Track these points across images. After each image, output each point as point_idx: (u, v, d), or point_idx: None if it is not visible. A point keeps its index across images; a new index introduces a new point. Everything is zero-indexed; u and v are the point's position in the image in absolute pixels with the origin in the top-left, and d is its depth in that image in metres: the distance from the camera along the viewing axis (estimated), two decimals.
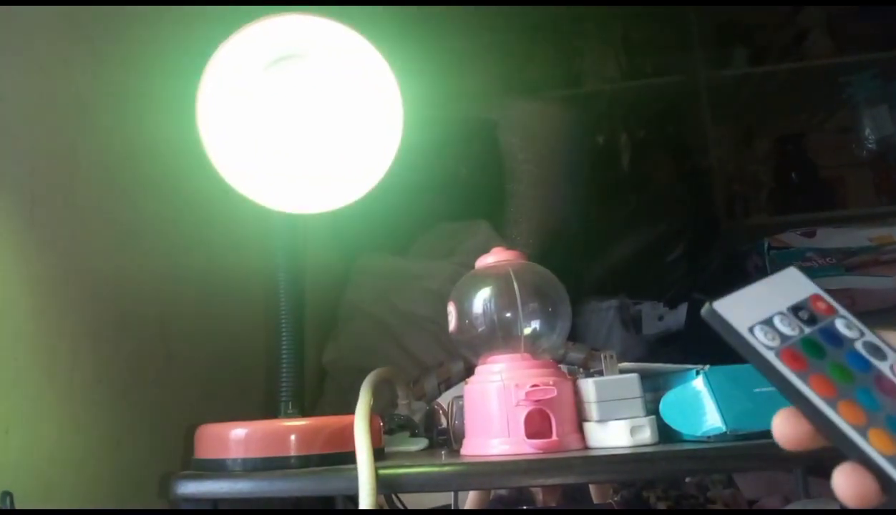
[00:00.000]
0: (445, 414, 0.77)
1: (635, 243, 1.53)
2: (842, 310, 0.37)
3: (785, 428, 0.33)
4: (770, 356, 0.33)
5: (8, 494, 0.57)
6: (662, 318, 1.34)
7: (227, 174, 0.64)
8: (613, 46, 2.07)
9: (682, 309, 1.32)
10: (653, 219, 1.58)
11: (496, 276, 0.68)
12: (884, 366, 0.34)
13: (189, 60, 0.66)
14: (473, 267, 0.72)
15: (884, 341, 0.35)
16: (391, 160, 0.66)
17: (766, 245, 1.39)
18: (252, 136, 0.65)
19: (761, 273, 1.42)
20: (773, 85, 2.02)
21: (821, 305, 0.37)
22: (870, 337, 0.35)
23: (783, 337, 0.34)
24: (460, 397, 0.68)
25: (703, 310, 0.35)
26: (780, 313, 0.35)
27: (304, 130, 0.65)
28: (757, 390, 0.56)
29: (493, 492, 0.87)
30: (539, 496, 0.91)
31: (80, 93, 0.70)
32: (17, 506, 0.57)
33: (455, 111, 1.61)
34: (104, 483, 0.68)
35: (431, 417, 0.80)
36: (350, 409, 0.62)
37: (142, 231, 0.78)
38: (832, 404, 0.32)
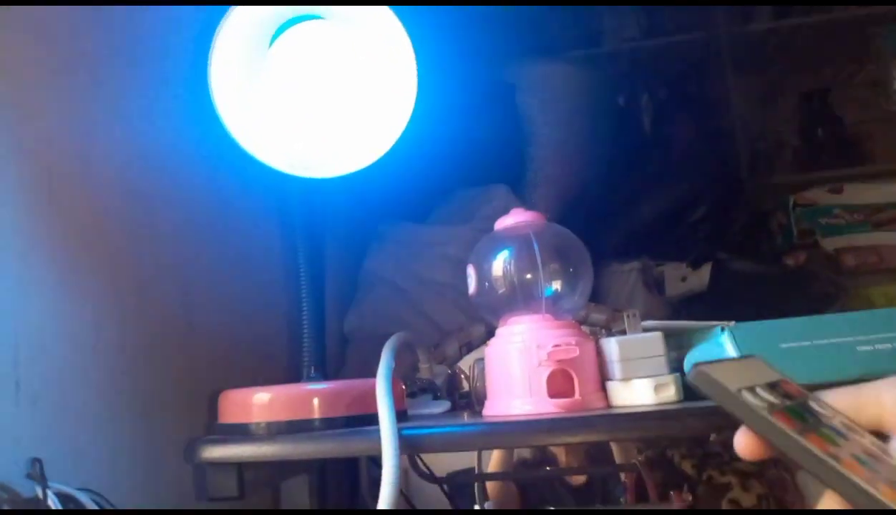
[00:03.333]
0: (467, 378, 0.77)
1: (657, 204, 1.51)
2: (810, 394, 0.38)
3: (745, 446, 0.35)
4: (765, 413, 0.34)
5: (38, 461, 0.58)
6: (685, 279, 1.33)
7: (243, 139, 0.63)
8: (633, 4, 2.02)
9: (706, 270, 1.30)
10: (675, 179, 1.56)
11: (515, 237, 0.67)
12: (864, 441, 0.35)
13: (202, 16, 0.65)
14: (491, 231, 0.71)
15: (853, 424, 0.36)
16: (405, 122, 0.65)
17: (791, 202, 1.36)
18: (266, 100, 0.64)
19: (786, 232, 1.39)
20: (798, 39, 1.96)
21: (791, 388, 0.38)
22: (842, 418, 0.36)
23: (770, 403, 0.35)
24: (482, 359, 0.68)
25: (691, 374, 0.36)
26: (760, 386, 0.37)
27: (319, 93, 0.64)
28: (783, 346, 0.55)
29: (515, 454, 0.87)
30: (562, 457, 0.91)
31: (96, 69, 0.70)
32: (47, 473, 0.58)
33: (473, 74, 1.59)
34: (130, 448, 0.69)
35: (453, 380, 0.80)
36: (372, 375, 0.62)
37: (160, 201, 0.78)
38: (836, 459, 0.32)
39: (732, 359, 0.41)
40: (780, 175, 2.01)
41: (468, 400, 0.75)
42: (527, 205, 1.44)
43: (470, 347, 0.90)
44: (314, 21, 0.64)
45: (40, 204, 0.63)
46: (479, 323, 0.92)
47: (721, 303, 1.22)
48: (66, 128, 0.66)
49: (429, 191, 1.45)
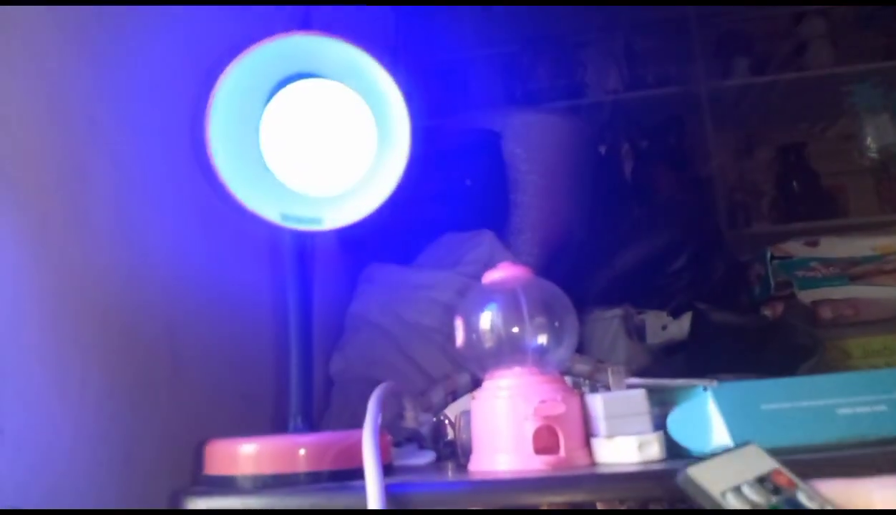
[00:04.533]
0: (452, 426, 0.78)
1: (639, 253, 1.54)
2: (802, 484, 0.40)
3: None
4: None
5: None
6: (666, 328, 1.35)
7: (237, 190, 0.64)
8: (615, 57, 2.08)
9: (686, 319, 1.32)
10: (656, 228, 1.59)
11: (503, 292, 0.68)
12: None
13: (199, 71, 0.66)
14: (478, 276, 0.73)
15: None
16: (399, 175, 0.67)
17: (768, 254, 1.39)
18: (262, 152, 0.65)
19: (764, 283, 1.43)
20: (775, 94, 2.03)
21: (782, 479, 0.40)
22: (830, 508, 0.38)
23: (752, 504, 0.37)
24: (468, 411, 0.69)
25: (679, 477, 0.38)
26: (747, 482, 0.38)
27: (314, 146, 0.66)
28: (764, 407, 0.57)
29: None
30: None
31: (90, 109, 0.71)
32: None
33: (459, 122, 1.62)
34: (116, 497, 0.69)
35: (439, 429, 0.81)
36: (357, 419, 0.63)
37: (151, 246, 0.79)
38: None
39: (727, 451, 0.42)
40: (758, 225, 2.07)
41: (452, 449, 0.75)
42: (512, 250, 1.47)
43: (456, 395, 0.91)
44: (311, 80, 0.66)
45: (34, 250, 0.63)
46: (466, 371, 0.93)
47: (701, 352, 1.24)
48: (61, 176, 0.67)
49: (416, 234, 1.46)
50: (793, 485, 0.39)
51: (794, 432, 0.55)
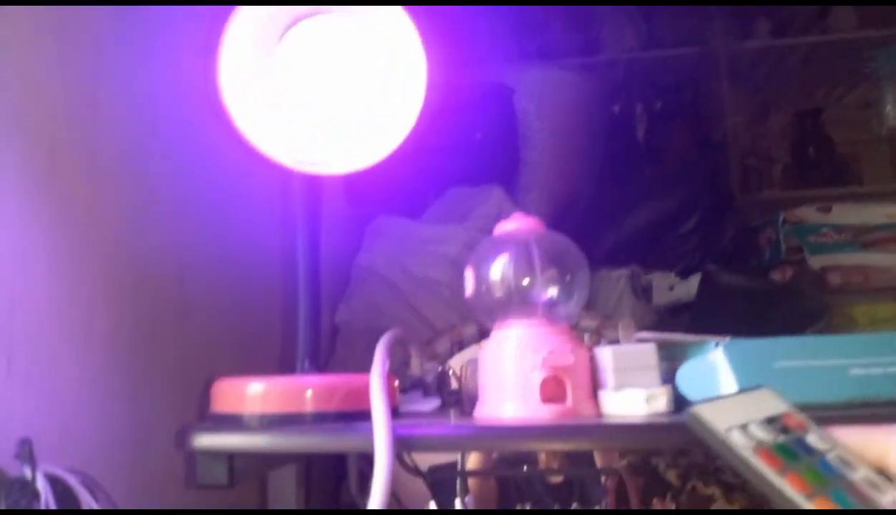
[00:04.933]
0: (456, 376, 0.78)
1: (648, 214, 1.52)
2: (814, 427, 0.39)
3: None
4: (746, 454, 0.35)
5: (27, 441, 0.58)
6: (673, 288, 1.35)
7: (248, 131, 0.63)
8: (632, 15, 2.03)
9: (694, 280, 1.32)
10: (667, 190, 1.57)
11: (515, 243, 0.67)
12: (854, 476, 0.35)
13: (211, 13, 0.65)
14: (486, 231, 0.72)
15: (852, 456, 0.37)
16: (413, 121, 0.65)
17: (780, 219, 1.38)
18: (273, 94, 0.64)
19: (774, 247, 1.42)
20: (794, 58, 1.99)
21: (793, 421, 0.39)
22: (841, 451, 0.37)
23: (758, 441, 0.36)
24: (475, 360, 0.69)
25: (685, 415, 0.38)
26: (756, 421, 0.38)
27: (327, 89, 0.65)
28: (777, 365, 0.56)
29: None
30: (541, 454, 0.92)
31: (100, 39, 0.70)
32: (37, 455, 0.57)
33: (472, 75, 1.59)
34: (121, 433, 0.69)
35: (443, 378, 0.81)
36: (361, 367, 0.63)
37: (160, 188, 0.78)
38: (808, 499, 0.33)
39: (739, 393, 0.42)
40: (770, 191, 2.04)
41: (456, 398, 0.75)
42: (520, 208, 1.46)
43: (461, 346, 0.91)
44: (324, 17, 0.64)
45: (42, 182, 0.62)
46: (472, 322, 0.93)
47: (707, 313, 1.23)
48: (69, 106, 0.66)
49: (424, 188, 1.45)
50: (803, 427, 0.39)
51: (805, 390, 0.54)
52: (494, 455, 0.90)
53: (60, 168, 0.64)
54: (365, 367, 0.64)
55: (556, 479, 0.93)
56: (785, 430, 0.38)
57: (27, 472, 0.55)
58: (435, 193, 1.47)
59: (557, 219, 1.52)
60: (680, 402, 0.60)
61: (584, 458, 0.89)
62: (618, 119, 2.03)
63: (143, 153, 0.75)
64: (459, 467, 0.85)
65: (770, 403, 0.40)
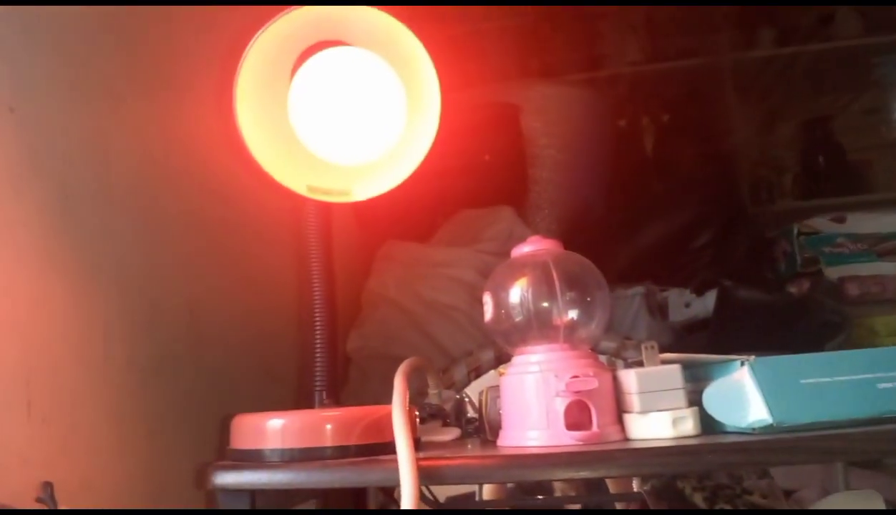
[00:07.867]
0: (473, 404, 0.77)
1: (661, 229, 1.51)
2: None
3: None
4: None
5: (49, 484, 0.57)
6: (689, 305, 1.33)
7: (263, 159, 0.63)
8: (636, 28, 2.03)
9: (710, 296, 1.30)
10: (678, 204, 1.56)
11: (534, 265, 0.67)
12: None
13: (222, 47, 0.65)
14: (498, 253, 0.71)
15: None
16: (427, 147, 0.65)
17: (794, 230, 1.37)
18: (289, 122, 0.64)
19: (789, 260, 1.40)
20: (799, 66, 1.98)
21: None
22: None
23: None
24: (495, 386, 0.68)
25: None
26: None
27: (341, 117, 0.64)
28: (803, 381, 0.55)
29: None
30: (558, 482, 0.90)
31: (113, 85, 0.70)
32: (57, 496, 0.57)
33: (477, 95, 1.59)
34: (140, 472, 0.69)
35: (461, 406, 0.80)
36: (375, 397, 0.62)
37: (172, 219, 0.78)
38: None
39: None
40: (781, 202, 2.03)
41: (476, 426, 0.74)
42: (530, 226, 1.45)
43: (479, 372, 0.90)
44: (337, 48, 0.64)
45: (55, 223, 0.62)
46: (488, 348, 0.92)
47: (725, 330, 1.22)
48: (82, 145, 0.66)
49: (433, 211, 1.45)
50: None
51: (833, 407, 0.53)
52: (509, 484, 0.89)
53: (73, 209, 0.64)
54: (380, 397, 0.63)
55: (575, 507, 0.91)
56: None
57: None
58: (444, 216, 1.47)
59: (569, 237, 1.51)
60: (706, 423, 0.59)
61: (598, 484, 0.88)
62: (624, 133, 2.02)
63: (155, 188, 0.75)
64: (478, 497, 0.84)
65: None
